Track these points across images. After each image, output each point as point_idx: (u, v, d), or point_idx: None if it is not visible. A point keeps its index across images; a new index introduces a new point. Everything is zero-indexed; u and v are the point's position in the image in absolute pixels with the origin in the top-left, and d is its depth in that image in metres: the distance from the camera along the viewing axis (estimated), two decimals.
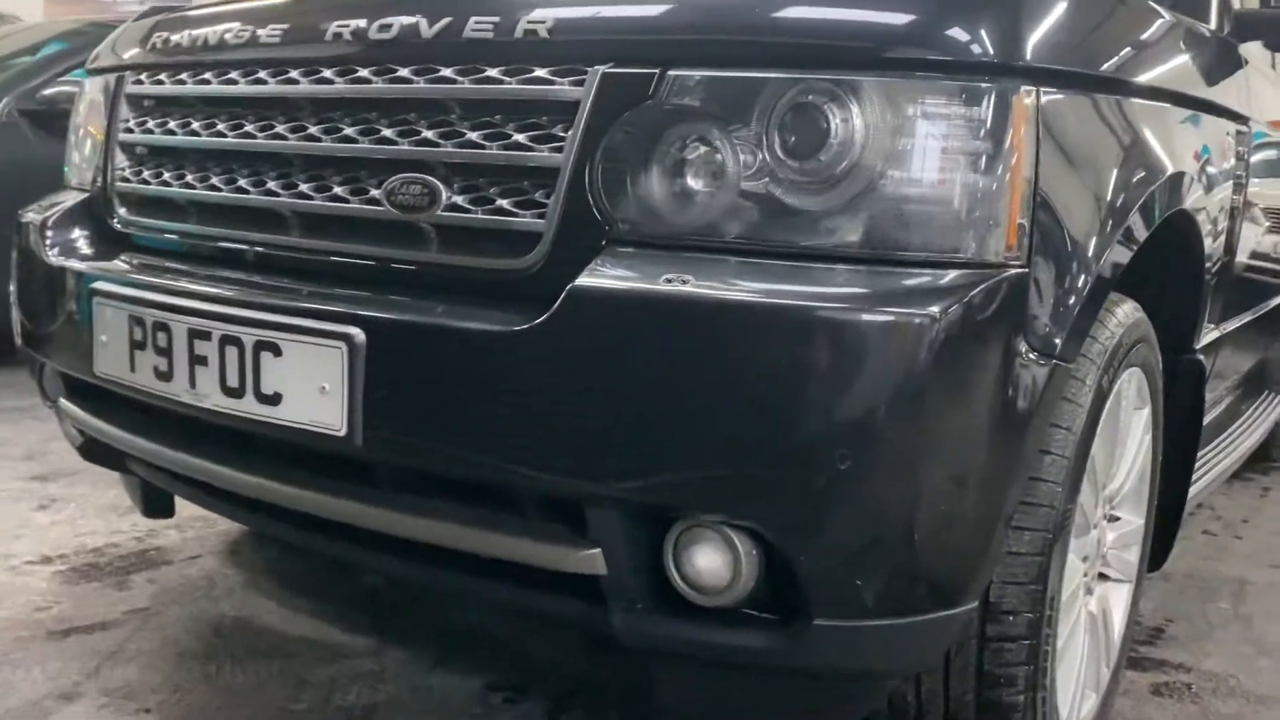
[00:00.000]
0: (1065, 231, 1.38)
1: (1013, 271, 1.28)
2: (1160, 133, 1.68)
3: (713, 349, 1.23)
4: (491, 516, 1.38)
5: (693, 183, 1.31)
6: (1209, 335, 2.19)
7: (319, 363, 1.39)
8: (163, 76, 1.80)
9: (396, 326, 1.37)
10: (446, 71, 1.44)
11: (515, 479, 1.33)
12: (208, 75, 1.70)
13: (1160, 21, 1.78)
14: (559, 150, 1.35)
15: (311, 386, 1.40)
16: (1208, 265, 2.00)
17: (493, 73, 1.41)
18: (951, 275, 1.25)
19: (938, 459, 1.26)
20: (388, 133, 1.47)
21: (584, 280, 1.28)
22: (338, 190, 1.51)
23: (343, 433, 1.38)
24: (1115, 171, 1.50)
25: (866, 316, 1.21)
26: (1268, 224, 2.73)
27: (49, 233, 1.89)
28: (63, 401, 1.91)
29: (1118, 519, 1.90)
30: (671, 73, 1.31)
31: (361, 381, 1.37)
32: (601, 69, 1.34)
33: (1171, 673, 2.25)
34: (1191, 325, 2.04)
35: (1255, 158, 2.43)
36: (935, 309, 1.21)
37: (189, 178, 1.71)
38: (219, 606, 2.27)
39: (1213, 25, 2.25)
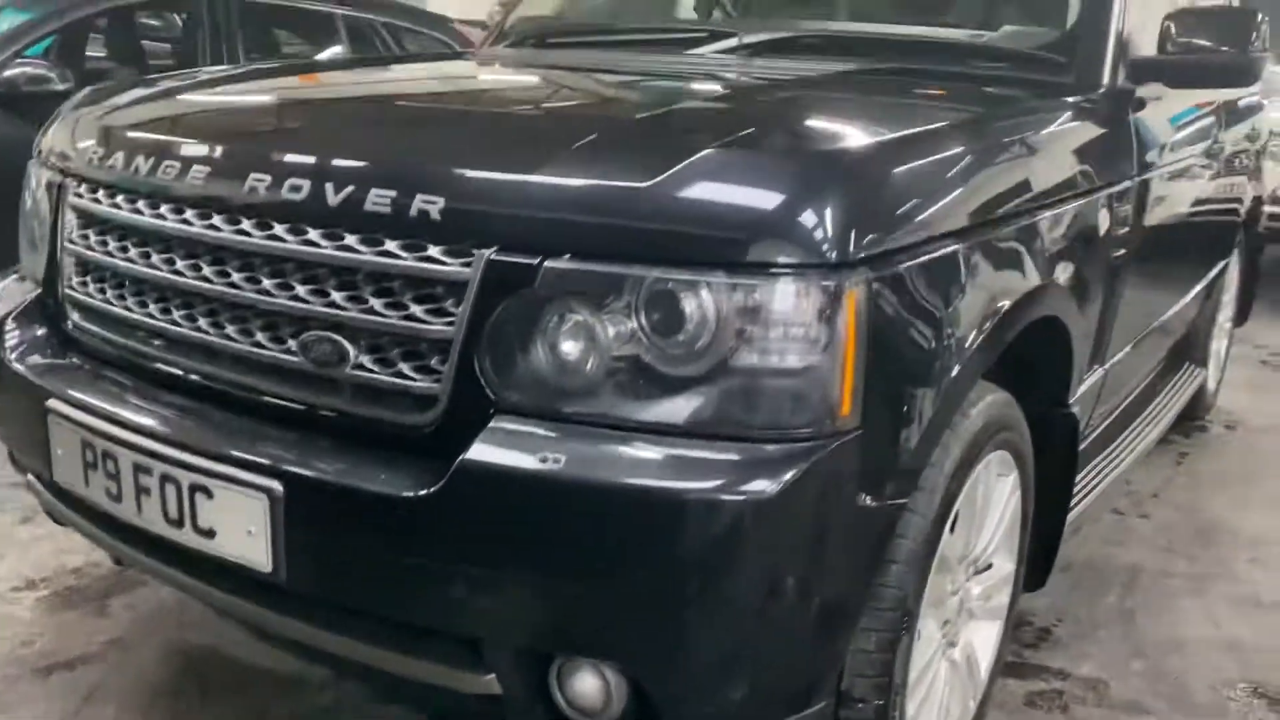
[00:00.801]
0: (902, 389, 1.56)
1: (849, 437, 1.47)
2: (1017, 251, 1.84)
3: (580, 523, 1.43)
4: (405, 642, 1.59)
5: (569, 361, 1.48)
6: (1087, 382, 2.38)
7: (245, 509, 1.58)
8: (100, 195, 1.93)
9: (310, 483, 1.56)
10: (351, 240, 1.59)
11: (421, 621, 1.54)
12: (140, 205, 1.84)
13: (1011, 141, 1.90)
14: (451, 325, 1.52)
15: (241, 528, 1.60)
16: (1076, 336, 2.17)
17: (392, 246, 1.56)
18: (793, 446, 1.44)
19: (780, 604, 1.47)
20: (301, 290, 1.63)
21: (472, 454, 1.47)
22: (260, 337, 1.68)
23: (268, 570, 1.58)
24: (961, 315, 1.66)
25: (705, 492, 1.40)
26: (1165, 247, 2.89)
27: (8, 332, 2.05)
28: (30, 478, 2.10)
29: (988, 567, 2.12)
30: (549, 263, 1.47)
31: (283, 529, 1.56)
32: (487, 254, 1.50)
33: (1049, 679, 2.50)
34: (1064, 385, 2.23)
35: (1154, 191, 2.57)
36: (769, 484, 1.40)
37: (129, 300, 1.86)
38: (188, 637, 2.50)
39: (1105, 80, 2.38)
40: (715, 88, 2.26)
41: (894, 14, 3.01)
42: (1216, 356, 4.35)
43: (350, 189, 1.59)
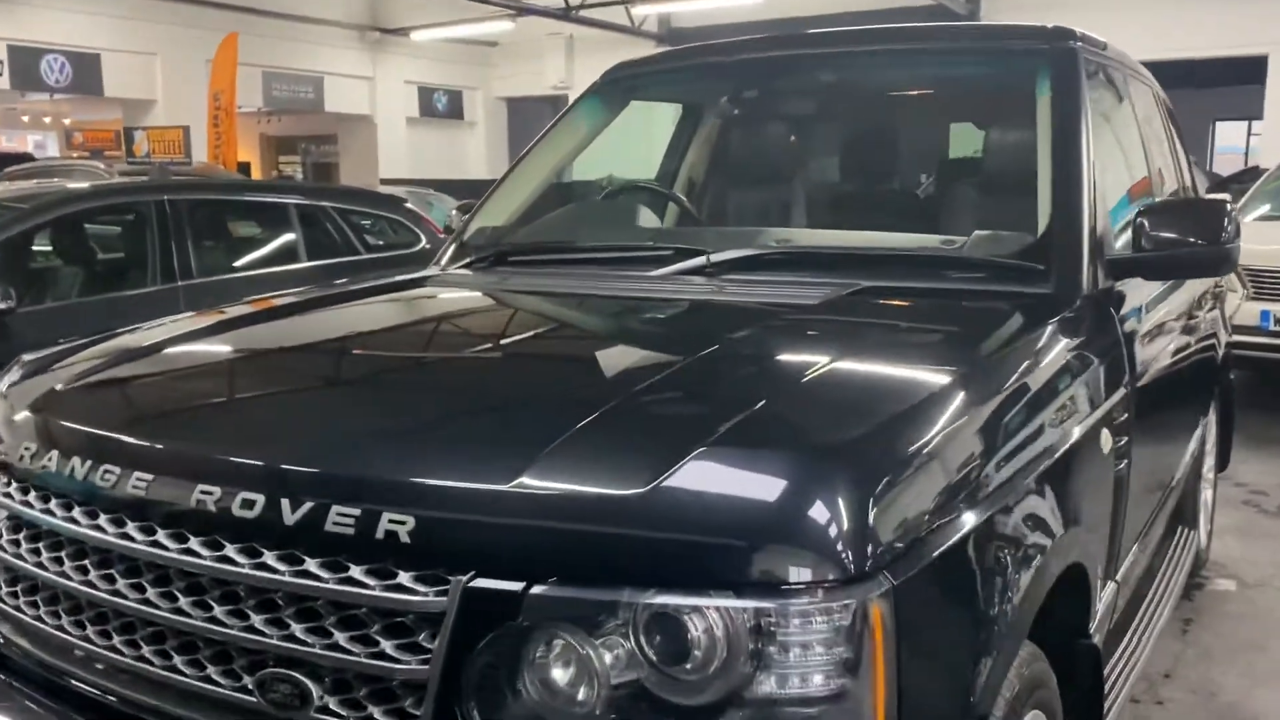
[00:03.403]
0: (941, 695, 1.41)
1: None
2: (1037, 506, 1.71)
3: None
4: None
5: (565, 703, 1.32)
6: (1103, 603, 2.25)
7: None
8: (31, 497, 1.76)
9: None
10: (310, 564, 1.43)
11: None
12: (76, 514, 1.67)
13: (1014, 387, 1.79)
14: (426, 663, 1.35)
15: None
16: (1092, 567, 2.04)
17: (356, 572, 1.40)
18: None
19: None
20: (257, 620, 1.46)
21: None
22: (210, 671, 1.50)
23: None
24: (994, 595, 1.53)
25: None
26: (1159, 431, 2.81)
27: None
28: None
29: None
30: (535, 590, 1.32)
31: None
32: (463, 581, 1.34)
33: None
34: (1084, 616, 2.09)
35: (1146, 381, 2.49)
36: None
37: (63, 620, 1.68)
38: None
39: (1085, 286, 2.31)
40: (695, 339, 2.10)
41: (857, 219, 2.98)
42: (1205, 508, 4.25)
43: (308, 505, 1.45)
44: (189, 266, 5.26)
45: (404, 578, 1.37)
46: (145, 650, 1.56)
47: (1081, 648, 2.09)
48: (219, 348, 2.25)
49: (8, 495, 1.81)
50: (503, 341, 2.21)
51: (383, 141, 20.84)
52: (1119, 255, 2.46)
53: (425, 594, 1.36)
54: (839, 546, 1.30)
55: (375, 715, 1.38)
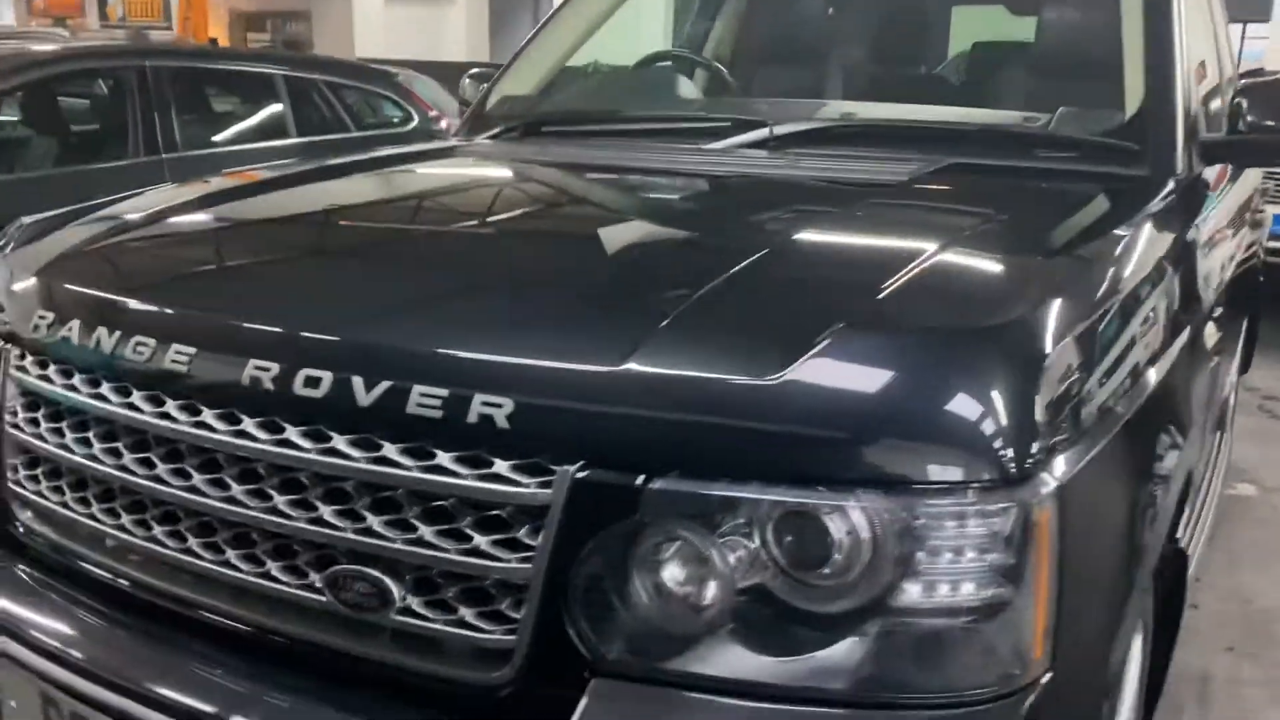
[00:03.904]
0: (1094, 608, 1.28)
1: (1039, 689, 1.17)
2: (1172, 394, 1.57)
3: None
4: None
5: (683, 609, 1.17)
6: (1189, 506, 2.13)
7: None
8: (51, 371, 1.57)
9: None
10: (390, 450, 1.26)
11: None
12: (106, 390, 1.49)
13: (1139, 271, 1.63)
14: (528, 561, 1.19)
15: None
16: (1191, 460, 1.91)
17: (444, 459, 1.23)
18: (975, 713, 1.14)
19: None
20: (325, 511, 1.29)
21: None
22: (270, 567, 1.34)
23: None
24: (1143, 498, 1.40)
25: None
26: (1224, 329, 2.68)
27: None
28: None
29: None
30: (656, 485, 1.16)
31: None
32: (572, 471, 1.18)
33: None
34: (1177, 518, 1.97)
35: (1219, 274, 2.35)
36: None
37: (93, 507, 1.51)
38: None
39: (1179, 168, 2.13)
40: (784, 216, 1.92)
41: (916, 94, 2.76)
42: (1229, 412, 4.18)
43: (385, 385, 1.27)
44: (173, 139, 4.95)
45: (501, 467, 1.21)
46: (191, 542, 1.40)
47: (1170, 551, 1.98)
48: (262, 210, 2.03)
49: (21, 369, 1.62)
50: (576, 214, 2.01)
51: (358, 19, 20.02)
52: (1212, 137, 2.28)
53: (527, 485, 1.20)
54: (1000, 442, 1.14)
55: (466, 618, 1.23)
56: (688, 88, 2.96)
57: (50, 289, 1.64)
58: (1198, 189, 2.23)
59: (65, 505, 1.54)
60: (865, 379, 1.18)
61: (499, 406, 1.21)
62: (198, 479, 1.38)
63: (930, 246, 1.52)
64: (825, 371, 1.18)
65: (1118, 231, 1.79)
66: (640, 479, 1.16)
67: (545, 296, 1.50)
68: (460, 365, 1.26)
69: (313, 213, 2.04)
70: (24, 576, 1.61)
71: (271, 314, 1.42)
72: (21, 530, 1.64)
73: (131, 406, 1.45)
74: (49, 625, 1.49)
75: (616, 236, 1.81)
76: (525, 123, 2.67)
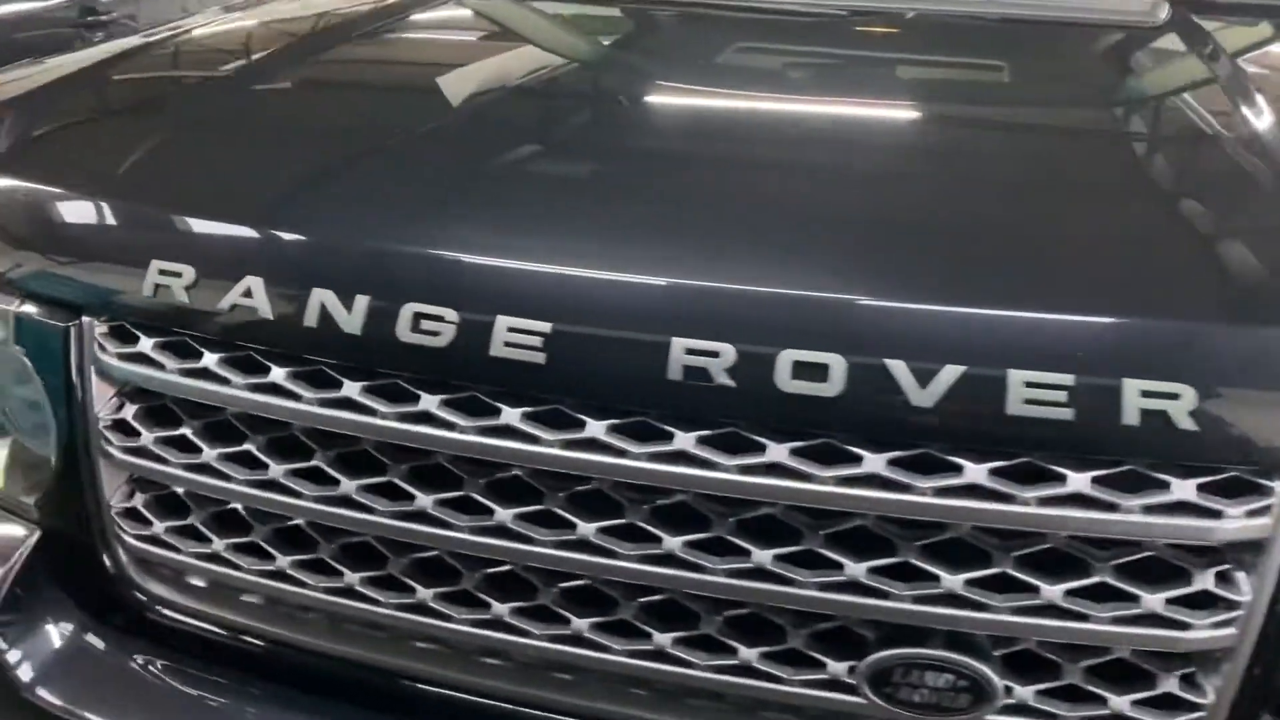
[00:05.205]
0: None
1: None
2: None
3: None
4: None
5: None
6: None
7: None
8: (211, 362, 0.95)
9: None
10: (977, 474, 0.80)
11: None
12: (352, 391, 0.91)
13: None
14: (1228, 623, 0.80)
15: None
16: None
17: (1080, 483, 0.80)
18: None
19: None
20: (857, 570, 0.83)
21: None
22: (746, 655, 0.86)
23: None
24: None
25: None
26: None
27: (5, 629, 1.03)
28: None
29: None
30: None
31: None
32: None
33: None
34: None
35: None
36: None
37: (290, 561, 0.94)
38: None
39: None
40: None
41: None
42: None
43: (957, 373, 0.80)
44: None
45: (1181, 489, 0.79)
46: (497, 606, 0.89)
47: None
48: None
49: (127, 356, 0.98)
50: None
51: None
52: None
53: (1232, 514, 0.79)
54: None
55: (1124, 711, 0.82)
56: None
57: (193, 220, 0.99)
58: None
59: (233, 560, 0.96)
60: None
61: (1174, 398, 0.78)
62: (584, 531, 0.86)
63: None
64: None
65: None
66: None
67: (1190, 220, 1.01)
68: (1099, 338, 0.81)
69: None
70: (152, 676, 1.03)
71: (682, 236, 0.88)
72: (148, 604, 1.04)
73: (417, 418, 0.89)
74: None
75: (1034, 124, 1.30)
76: None
